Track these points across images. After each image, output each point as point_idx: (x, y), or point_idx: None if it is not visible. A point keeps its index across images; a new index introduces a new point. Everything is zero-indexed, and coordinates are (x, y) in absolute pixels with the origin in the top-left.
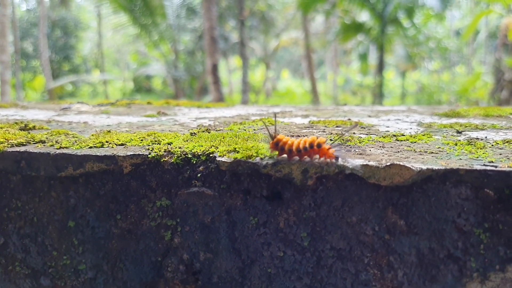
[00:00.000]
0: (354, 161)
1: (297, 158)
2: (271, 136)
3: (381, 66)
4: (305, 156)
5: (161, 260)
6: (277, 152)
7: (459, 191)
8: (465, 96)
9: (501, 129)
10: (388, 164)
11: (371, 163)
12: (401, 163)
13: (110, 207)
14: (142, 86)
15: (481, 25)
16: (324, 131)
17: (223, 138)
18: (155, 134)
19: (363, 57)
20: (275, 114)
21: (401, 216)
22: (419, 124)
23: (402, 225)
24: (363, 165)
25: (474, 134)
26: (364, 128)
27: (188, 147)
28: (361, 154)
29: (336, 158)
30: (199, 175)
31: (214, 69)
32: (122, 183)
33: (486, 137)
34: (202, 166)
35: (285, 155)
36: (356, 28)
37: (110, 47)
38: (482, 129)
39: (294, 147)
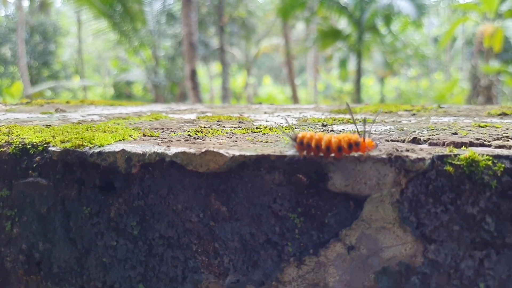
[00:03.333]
0: (175, 149)
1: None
2: (293, 137)
3: (359, 73)
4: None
5: (3, 251)
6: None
7: (272, 177)
8: (443, 102)
9: (375, 123)
10: (203, 150)
11: (190, 150)
12: (214, 150)
13: None
14: (123, 92)
15: (458, 33)
16: (198, 125)
17: (73, 129)
18: (13, 127)
19: (343, 63)
20: (287, 121)
21: (222, 203)
22: (298, 119)
23: (225, 211)
24: (181, 152)
25: (334, 127)
26: (241, 122)
27: (30, 138)
28: (193, 143)
29: (376, 145)
30: (35, 165)
31: (193, 74)
32: None
33: (344, 129)
34: (38, 157)
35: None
36: (334, 35)
37: (90, 53)
38: (352, 123)
39: (323, 146)
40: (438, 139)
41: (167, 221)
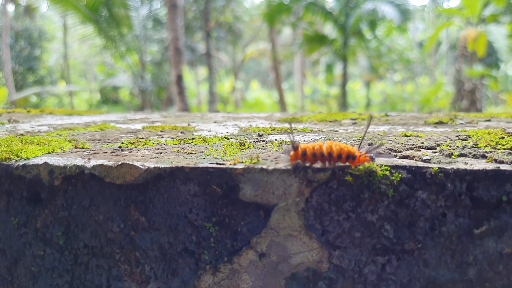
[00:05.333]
0: (94, 162)
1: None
2: (293, 146)
3: (345, 77)
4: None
5: None
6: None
7: (188, 188)
8: (428, 106)
9: (310, 132)
10: (119, 163)
11: (107, 163)
12: (129, 162)
13: None
14: (109, 98)
15: (443, 37)
16: (137, 136)
17: (8, 141)
18: None
19: (329, 68)
20: (290, 123)
21: (141, 213)
22: (241, 129)
23: (144, 222)
24: (99, 165)
25: (270, 138)
26: (183, 132)
27: None
28: (117, 155)
29: (372, 158)
30: None
31: (179, 79)
32: None
33: (275, 139)
34: None
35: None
36: (320, 40)
37: (76, 58)
38: (290, 133)
39: (325, 152)
40: None
41: (90, 231)
